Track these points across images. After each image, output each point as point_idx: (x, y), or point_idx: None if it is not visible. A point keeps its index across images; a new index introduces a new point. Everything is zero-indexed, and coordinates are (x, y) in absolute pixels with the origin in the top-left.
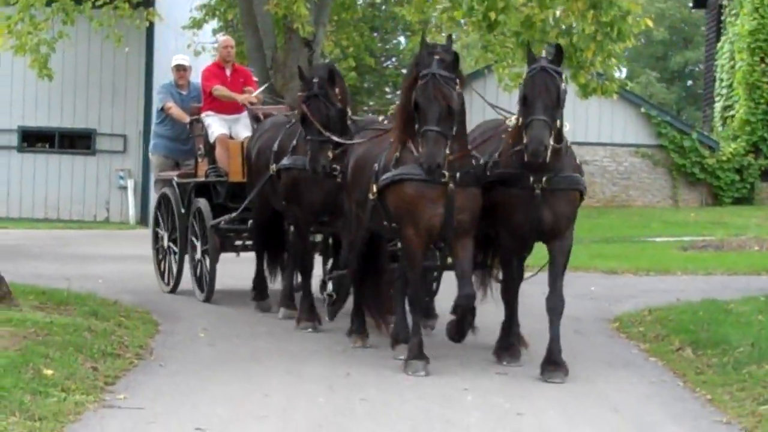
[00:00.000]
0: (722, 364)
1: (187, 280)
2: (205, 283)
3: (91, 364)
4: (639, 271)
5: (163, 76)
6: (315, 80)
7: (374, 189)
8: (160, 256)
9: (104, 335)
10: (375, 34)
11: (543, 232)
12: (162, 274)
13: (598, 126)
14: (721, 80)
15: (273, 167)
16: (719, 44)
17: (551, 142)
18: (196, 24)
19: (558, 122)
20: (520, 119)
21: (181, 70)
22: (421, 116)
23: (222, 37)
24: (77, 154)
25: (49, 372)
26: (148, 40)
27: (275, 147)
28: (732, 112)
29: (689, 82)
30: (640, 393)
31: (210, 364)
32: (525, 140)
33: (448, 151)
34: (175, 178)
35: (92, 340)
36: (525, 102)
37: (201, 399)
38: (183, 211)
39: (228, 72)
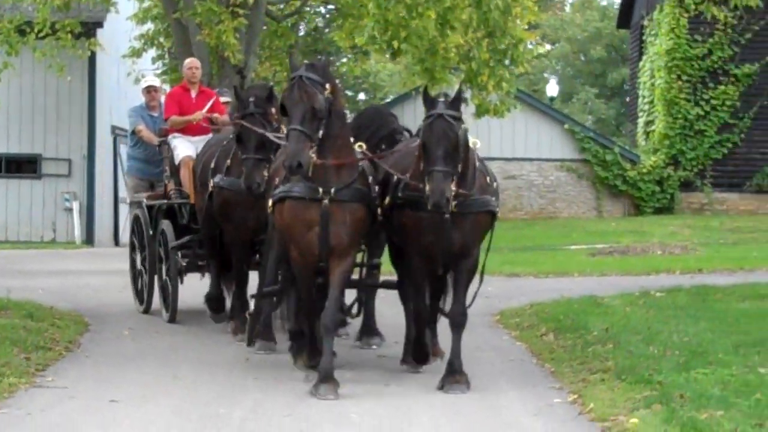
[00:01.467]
0: (573, 345)
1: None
2: (169, 303)
3: (24, 355)
4: (540, 274)
5: (105, 102)
6: (251, 99)
7: (269, 205)
8: (136, 278)
9: (38, 332)
10: (320, 58)
11: (452, 253)
12: (137, 295)
13: (524, 142)
14: (643, 97)
15: (211, 183)
16: (641, 63)
17: (453, 188)
18: (136, 53)
19: (459, 167)
20: (422, 164)
21: (152, 91)
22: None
23: (188, 59)
24: (24, 178)
25: None
26: (90, 69)
27: (212, 164)
28: (653, 127)
29: (627, 98)
30: (496, 369)
31: (130, 355)
32: (427, 191)
33: (313, 156)
34: (144, 200)
35: (26, 336)
36: (425, 150)
37: (118, 381)
38: (151, 233)
39: (193, 94)
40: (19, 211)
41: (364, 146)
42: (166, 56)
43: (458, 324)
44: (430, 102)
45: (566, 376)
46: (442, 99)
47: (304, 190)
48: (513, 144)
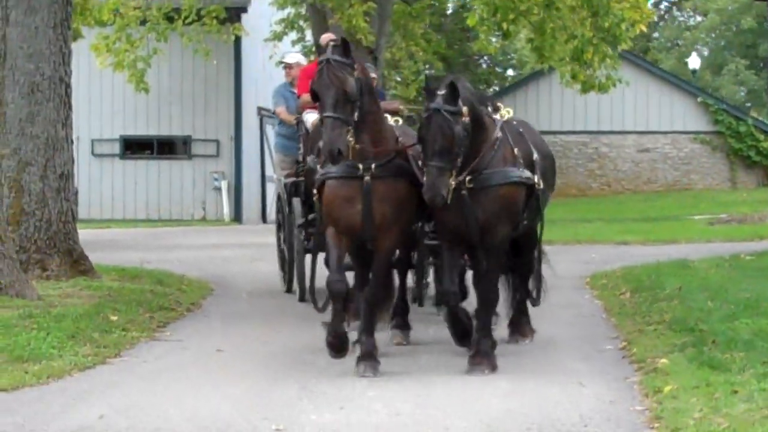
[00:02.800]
0: (643, 302)
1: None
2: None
3: (149, 314)
4: (647, 242)
5: (251, 84)
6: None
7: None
8: (282, 256)
9: (164, 295)
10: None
11: (476, 229)
12: (283, 275)
13: (658, 115)
14: None
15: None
16: None
17: (452, 182)
18: (277, 36)
19: (459, 161)
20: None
21: (287, 68)
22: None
23: (324, 35)
24: (175, 159)
25: (114, 318)
26: (236, 53)
27: None
28: None
29: None
30: (566, 322)
31: (243, 314)
32: (424, 184)
33: (351, 139)
34: (282, 179)
35: (153, 299)
36: (422, 144)
37: (227, 334)
38: (287, 210)
39: None
40: (170, 191)
41: (401, 120)
42: (306, 39)
43: (485, 303)
44: (429, 95)
45: (626, 327)
46: (442, 92)
47: (343, 169)
48: (647, 117)
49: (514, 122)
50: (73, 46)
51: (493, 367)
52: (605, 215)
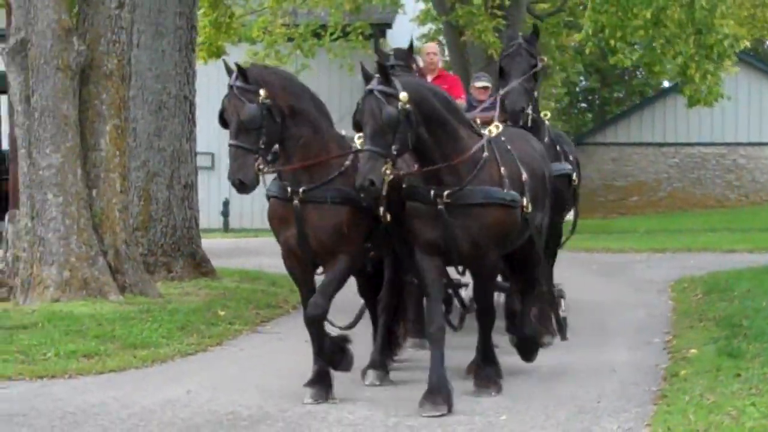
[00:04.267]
0: (708, 302)
1: None
2: None
3: (255, 310)
4: (754, 250)
5: None
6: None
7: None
8: None
9: (273, 295)
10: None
11: (455, 252)
12: None
13: None
14: None
15: None
16: None
17: (387, 172)
18: (418, 52)
19: (394, 148)
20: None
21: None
22: None
23: (424, 45)
24: None
25: (223, 313)
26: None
27: None
28: None
29: None
30: (632, 318)
31: (344, 311)
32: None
33: (262, 167)
34: None
35: (262, 297)
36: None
37: None
38: None
39: (429, 79)
40: None
41: (495, 131)
42: (444, 54)
43: (482, 327)
44: (365, 78)
45: (681, 324)
46: (377, 76)
47: (277, 189)
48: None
49: (503, 138)
50: (213, 64)
51: (499, 389)
52: (734, 225)
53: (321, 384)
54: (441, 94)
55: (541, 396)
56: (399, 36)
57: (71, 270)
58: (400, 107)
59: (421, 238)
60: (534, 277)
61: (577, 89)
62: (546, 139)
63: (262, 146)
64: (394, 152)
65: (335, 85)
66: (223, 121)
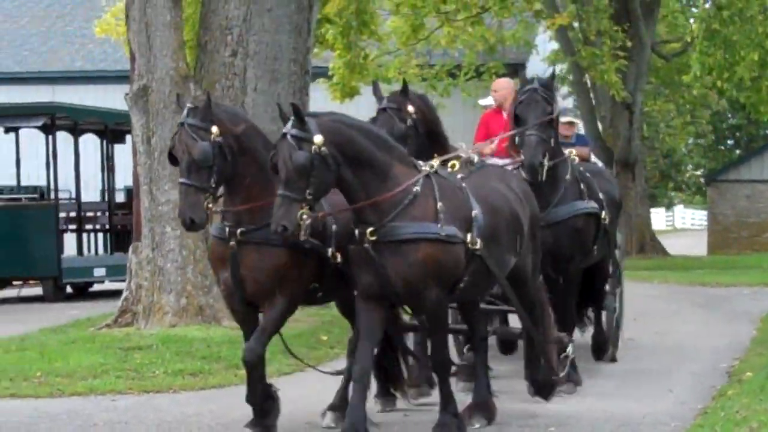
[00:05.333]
0: None
1: None
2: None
3: None
4: None
5: None
6: None
7: None
8: None
9: None
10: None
11: (390, 291)
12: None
13: None
14: None
15: None
16: None
17: (304, 217)
18: None
19: (309, 192)
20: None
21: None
22: None
23: (495, 81)
24: None
25: (325, 338)
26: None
27: None
28: None
29: None
30: (711, 345)
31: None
32: None
33: (211, 206)
34: None
35: None
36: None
37: None
38: None
39: (504, 115)
40: None
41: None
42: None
43: (436, 370)
44: (282, 120)
45: (753, 351)
46: (292, 118)
47: (217, 229)
48: None
49: (459, 175)
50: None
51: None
52: None
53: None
54: (372, 133)
55: (595, 412)
56: (534, 72)
57: (188, 297)
58: (314, 151)
59: (357, 281)
60: (533, 321)
61: (724, 126)
62: (568, 177)
63: (213, 185)
64: (309, 196)
65: (470, 124)
66: (173, 158)
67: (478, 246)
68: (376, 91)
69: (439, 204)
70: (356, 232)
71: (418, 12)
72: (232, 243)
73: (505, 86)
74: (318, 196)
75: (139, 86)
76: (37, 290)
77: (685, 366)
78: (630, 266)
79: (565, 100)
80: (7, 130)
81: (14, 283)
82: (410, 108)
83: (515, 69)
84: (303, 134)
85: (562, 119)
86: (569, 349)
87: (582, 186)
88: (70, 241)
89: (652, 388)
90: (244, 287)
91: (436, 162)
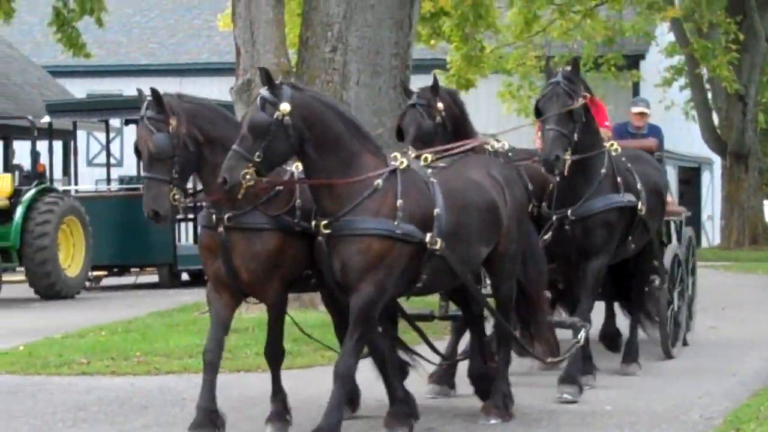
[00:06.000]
0: None
1: None
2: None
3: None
4: None
5: None
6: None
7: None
8: None
9: None
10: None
11: (337, 284)
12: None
13: None
14: None
15: None
16: None
17: (248, 177)
18: (667, 82)
19: (258, 155)
20: None
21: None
22: None
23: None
24: None
25: None
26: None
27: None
28: None
29: None
30: (753, 354)
31: None
32: None
33: (179, 197)
34: None
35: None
36: None
37: None
38: None
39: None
40: None
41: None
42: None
43: (337, 376)
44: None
45: None
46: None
47: (204, 218)
48: None
49: (430, 170)
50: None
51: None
52: None
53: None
54: (348, 119)
55: (652, 392)
56: (651, 67)
57: None
58: (275, 116)
59: (319, 266)
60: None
61: None
62: (603, 170)
63: (176, 175)
64: (257, 159)
65: None
66: (138, 152)
67: (437, 246)
68: (406, 87)
69: (399, 201)
70: (313, 223)
71: (531, 4)
72: (221, 230)
73: None
74: (268, 162)
75: (243, 81)
76: (154, 277)
77: (757, 353)
78: (741, 257)
79: (681, 92)
80: (127, 122)
81: (132, 270)
82: (439, 105)
83: (635, 60)
84: (271, 98)
85: (633, 109)
86: (581, 334)
87: (618, 179)
88: (186, 229)
89: (715, 371)
90: (238, 276)
91: (411, 156)
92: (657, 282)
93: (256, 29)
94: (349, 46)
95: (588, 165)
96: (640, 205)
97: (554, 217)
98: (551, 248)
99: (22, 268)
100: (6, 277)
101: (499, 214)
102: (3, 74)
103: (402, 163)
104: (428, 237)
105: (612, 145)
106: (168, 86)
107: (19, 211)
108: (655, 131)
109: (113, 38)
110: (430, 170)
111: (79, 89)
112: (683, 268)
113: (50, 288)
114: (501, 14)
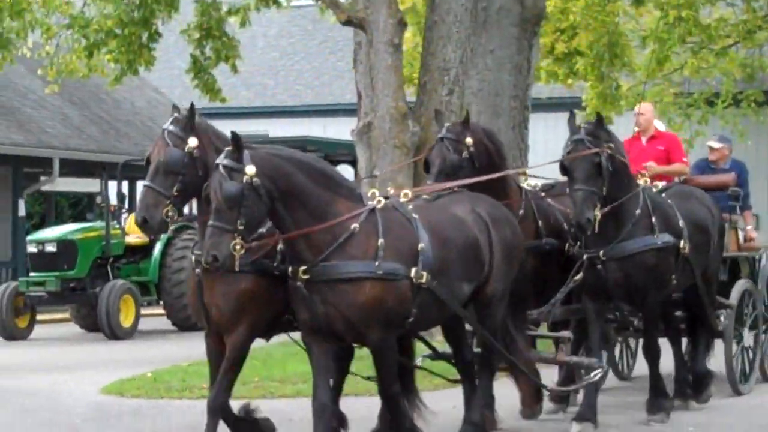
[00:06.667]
0: None
1: None
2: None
3: None
4: None
5: None
6: None
7: None
8: None
9: None
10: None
11: (327, 331)
12: None
13: None
14: None
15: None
16: None
17: (237, 247)
18: None
19: (240, 223)
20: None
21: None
22: None
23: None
24: None
25: None
26: None
27: None
28: None
29: None
30: None
31: None
32: None
33: (170, 213)
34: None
35: None
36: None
37: None
38: None
39: (643, 140)
40: None
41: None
42: None
43: (389, 404)
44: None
45: None
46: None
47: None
48: None
49: (410, 206)
50: None
51: None
52: None
53: None
54: (314, 169)
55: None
56: None
57: None
58: (245, 182)
59: (297, 316)
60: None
61: None
62: (638, 211)
63: (176, 193)
64: (241, 227)
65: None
66: (148, 162)
67: (423, 279)
68: (439, 117)
69: (380, 240)
70: (289, 269)
71: (663, 44)
72: (197, 270)
73: (650, 109)
74: (250, 227)
75: (364, 123)
76: None
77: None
78: None
79: None
80: None
81: None
82: (468, 139)
83: None
84: (235, 165)
85: (711, 144)
86: (596, 374)
87: (653, 219)
88: None
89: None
90: (209, 316)
91: (403, 195)
92: (723, 318)
93: (375, 75)
94: (470, 88)
95: (621, 208)
96: (682, 243)
97: (585, 257)
98: (580, 289)
99: (161, 302)
100: (145, 311)
101: (481, 252)
102: (149, 118)
103: (379, 201)
104: (413, 272)
105: (646, 182)
106: (313, 128)
107: (158, 248)
108: (737, 167)
109: (260, 81)
110: (410, 206)
111: (226, 130)
112: (762, 307)
113: (186, 320)
114: (638, 53)
